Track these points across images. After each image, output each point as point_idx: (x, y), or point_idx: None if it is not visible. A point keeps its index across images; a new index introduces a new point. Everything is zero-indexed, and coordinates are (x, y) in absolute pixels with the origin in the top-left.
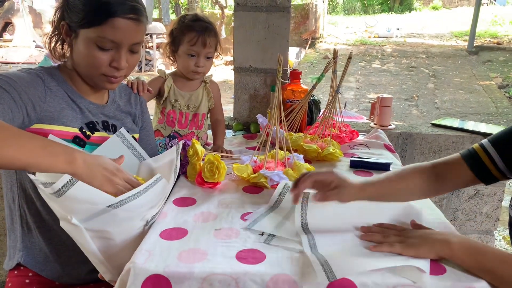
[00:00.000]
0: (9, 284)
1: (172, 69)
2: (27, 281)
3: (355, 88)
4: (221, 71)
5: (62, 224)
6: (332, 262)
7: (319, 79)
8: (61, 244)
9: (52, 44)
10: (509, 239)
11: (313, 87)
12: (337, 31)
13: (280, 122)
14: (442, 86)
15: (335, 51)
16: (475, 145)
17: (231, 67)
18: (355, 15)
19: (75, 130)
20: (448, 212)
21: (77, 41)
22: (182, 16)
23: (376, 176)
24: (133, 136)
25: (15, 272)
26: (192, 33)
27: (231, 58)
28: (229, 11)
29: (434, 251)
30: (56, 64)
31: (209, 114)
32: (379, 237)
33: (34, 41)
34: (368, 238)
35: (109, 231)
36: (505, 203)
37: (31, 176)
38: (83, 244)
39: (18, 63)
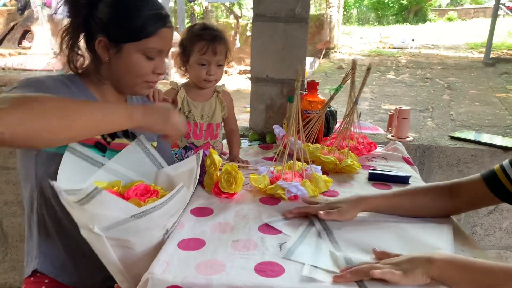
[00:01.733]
0: None
1: (185, 79)
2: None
3: (369, 99)
4: (235, 80)
5: (83, 232)
6: None
7: (337, 90)
8: (79, 250)
9: (74, 60)
10: None
11: (331, 97)
12: (352, 41)
13: (298, 132)
14: (457, 98)
15: (354, 62)
16: (496, 166)
17: (245, 76)
18: (369, 25)
19: (97, 136)
20: (467, 226)
21: (121, 55)
22: (190, 26)
23: (390, 191)
24: (151, 144)
25: (32, 279)
26: (202, 42)
27: (245, 68)
28: (243, 21)
29: (425, 273)
30: (71, 72)
31: (223, 124)
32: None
33: (52, 49)
34: (355, 277)
35: (130, 240)
36: None
37: (53, 183)
38: (104, 253)
39: (36, 70)
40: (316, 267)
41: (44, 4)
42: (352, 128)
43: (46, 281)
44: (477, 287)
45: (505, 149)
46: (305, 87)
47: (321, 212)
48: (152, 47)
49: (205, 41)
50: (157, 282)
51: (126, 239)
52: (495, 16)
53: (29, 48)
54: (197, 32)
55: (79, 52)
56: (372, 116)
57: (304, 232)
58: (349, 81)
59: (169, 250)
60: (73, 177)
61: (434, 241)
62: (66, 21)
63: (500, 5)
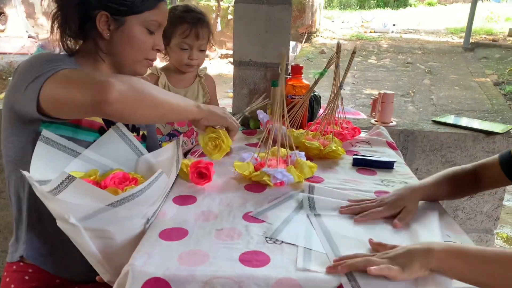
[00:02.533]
0: (7, 279)
1: (165, 62)
2: (26, 277)
3: (351, 84)
4: (217, 64)
5: (59, 223)
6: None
7: (321, 74)
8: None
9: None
10: (504, 235)
11: (315, 82)
12: (333, 25)
13: (282, 117)
14: (438, 83)
15: (338, 45)
16: None
17: (227, 60)
18: (350, 10)
19: (100, 121)
20: (449, 210)
21: (123, 29)
22: (172, 8)
23: (433, 178)
24: (143, 133)
25: (14, 267)
26: (184, 25)
27: (227, 52)
28: (224, 4)
29: (424, 265)
30: (59, 52)
31: None
32: (364, 262)
33: (26, 32)
34: (346, 268)
35: (109, 230)
36: (506, 202)
37: (25, 173)
38: (82, 244)
39: (10, 53)
40: (310, 249)
41: None
42: (336, 114)
43: (30, 270)
44: (475, 275)
45: (487, 133)
46: (289, 71)
47: (396, 221)
48: (153, 20)
49: (188, 24)
50: (137, 274)
51: (105, 229)
52: (474, 1)
53: (3, 30)
54: (179, 14)
55: (70, 34)
56: (354, 101)
57: (289, 217)
58: (333, 66)
59: (150, 240)
60: (47, 167)
61: (422, 228)
62: (43, 3)
63: None
